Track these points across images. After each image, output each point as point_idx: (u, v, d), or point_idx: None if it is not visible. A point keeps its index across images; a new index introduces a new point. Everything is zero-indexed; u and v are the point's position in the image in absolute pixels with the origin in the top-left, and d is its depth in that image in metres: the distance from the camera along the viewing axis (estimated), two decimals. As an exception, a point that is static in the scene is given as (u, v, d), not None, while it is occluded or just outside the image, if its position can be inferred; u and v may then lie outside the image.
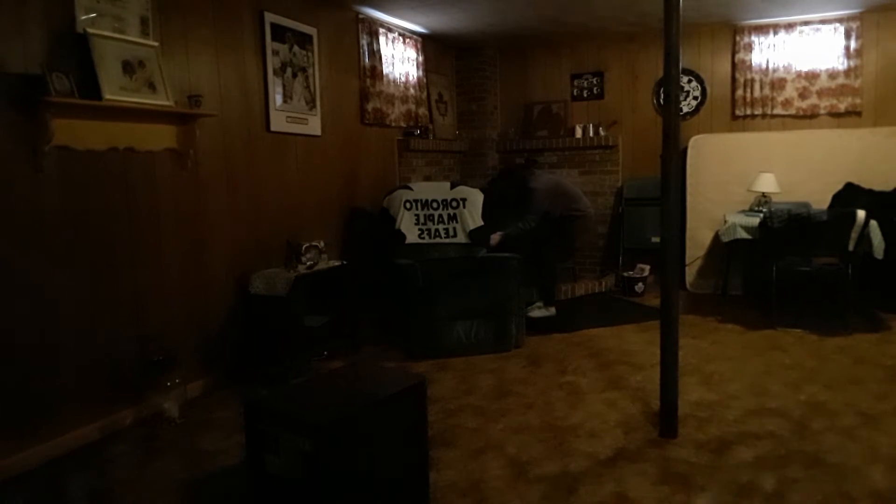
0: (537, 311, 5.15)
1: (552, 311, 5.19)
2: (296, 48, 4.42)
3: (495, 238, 5.09)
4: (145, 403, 3.29)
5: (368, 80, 5.16)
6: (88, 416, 3.08)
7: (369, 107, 5.16)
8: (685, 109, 6.08)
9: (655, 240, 5.76)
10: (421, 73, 5.91)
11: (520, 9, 5.20)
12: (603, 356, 4.20)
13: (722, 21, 5.79)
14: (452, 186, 5.12)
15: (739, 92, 5.89)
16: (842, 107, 5.58)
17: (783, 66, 5.72)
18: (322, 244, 4.29)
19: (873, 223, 4.48)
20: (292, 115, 4.40)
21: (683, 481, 2.54)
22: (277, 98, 4.25)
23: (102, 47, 3.04)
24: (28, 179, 2.82)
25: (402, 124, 5.65)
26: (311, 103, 4.58)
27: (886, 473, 2.56)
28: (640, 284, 5.97)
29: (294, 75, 4.41)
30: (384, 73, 5.34)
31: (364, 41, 5.14)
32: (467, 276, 4.63)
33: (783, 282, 4.72)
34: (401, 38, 5.62)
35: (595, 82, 6.50)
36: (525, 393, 3.57)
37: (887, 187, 5.10)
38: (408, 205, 4.87)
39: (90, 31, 3.01)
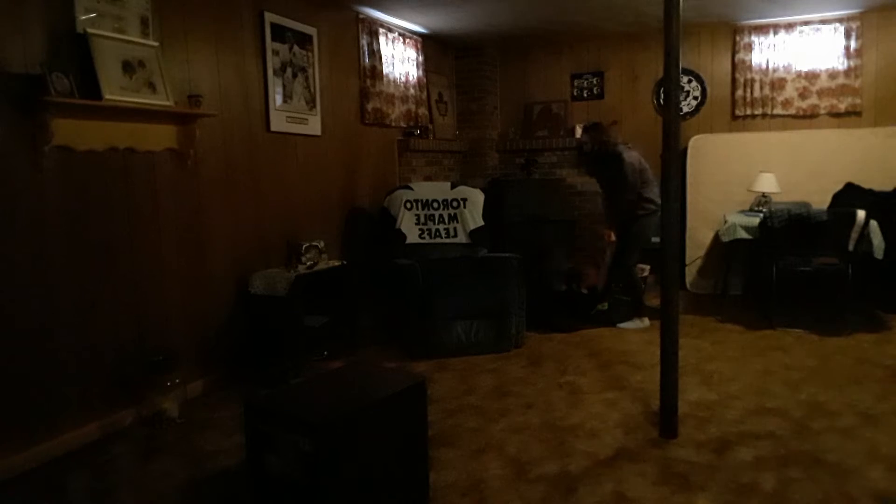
0: (629, 324, 4.91)
1: (646, 322, 4.88)
2: (296, 48, 4.42)
3: (610, 234, 4.93)
4: (145, 403, 3.28)
5: (368, 80, 5.16)
6: (88, 416, 3.08)
7: (369, 107, 5.16)
8: (685, 109, 6.08)
9: (655, 240, 5.75)
10: (421, 73, 5.91)
11: (520, 9, 5.20)
12: (603, 356, 4.20)
13: (722, 21, 5.79)
14: (453, 186, 5.12)
15: (739, 92, 5.88)
16: (842, 107, 5.58)
17: (783, 66, 5.72)
18: (322, 244, 4.29)
19: (873, 223, 4.48)
20: (292, 115, 4.40)
21: (683, 481, 2.54)
22: (277, 98, 4.25)
23: (102, 47, 3.04)
24: (28, 179, 2.82)
25: (402, 124, 5.65)
26: (311, 103, 4.58)
27: (886, 473, 2.56)
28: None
29: (294, 75, 4.41)
30: (384, 73, 5.34)
31: (364, 41, 5.14)
32: (467, 276, 4.63)
33: (783, 282, 4.72)
34: (401, 38, 5.62)
35: (595, 82, 6.50)
36: (525, 393, 3.57)
37: (887, 187, 5.09)
38: (408, 205, 4.87)
39: (90, 31, 3.01)
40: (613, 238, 4.93)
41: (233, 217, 3.93)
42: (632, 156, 4.89)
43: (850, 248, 4.48)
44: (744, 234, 4.91)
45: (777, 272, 4.68)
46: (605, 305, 5.22)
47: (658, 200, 4.83)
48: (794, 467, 2.63)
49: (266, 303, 3.85)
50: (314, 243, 4.21)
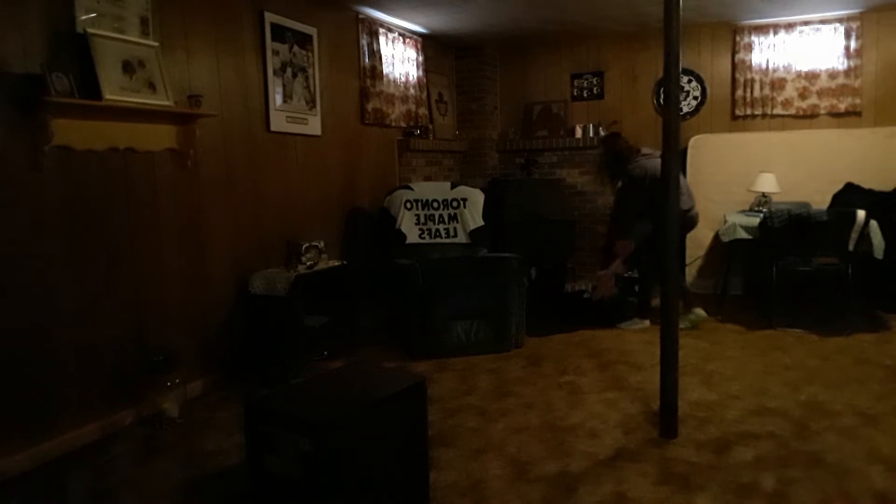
0: (629, 324, 4.83)
1: (646, 323, 4.82)
2: (296, 48, 4.42)
3: (625, 246, 4.70)
4: (145, 403, 3.28)
5: (368, 80, 5.16)
6: (88, 416, 3.08)
7: (369, 107, 5.16)
8: (685, 109, 6.08)
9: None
10: (421, 73, 5.91)
11: (520, 9, 5.20)
12: (603, 356, 4.20)
13: (722, 21, 5.79)
14: (453, 186, 5.12)
15: (739, 92, 5.88)
16: (842, 107, 5.58)
17: (783, 66, 5.72)
18: (322, 244, 4.29)
19: (873, 223, 4.48)
20: (292, 115, 4.40)
21: (683, 481, 2.54)
22: (277, 98, 4.25)
23: (102, 47, 3.04)
24: (28, 179, 2.82)
25: (402, 124, 5.65)
26: (311, 103, 4.58)
27: (886, 473, 2.56)
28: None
29: (294, 75, 4.41)
30: (384, 73, 5.34)
31: (364, 41, 5.14)
32: (467, 276, 4.63)
33: (783, 282, 4.72)
34: (401, 38, 5.62)
35: (595, 82, 6.50)
36: (525, 393, 3.57)
37: (887, 187, 5.10)
38: (408, 205, 4.87)
39: (90, 31, 3.01)
40: (622, 250, 4.73)
41: (233, 217, 3.93)
42: (638, 168, 4.65)
43: (850, 248, 4.48)
44: (744, 234, 4.91)
45: (777, 272, 4.68)
46: (647, 323, 4.86)
47: (684, 207, 4.44)
48: (794, 467, 2.63)
49: (266, 303, 3.85)
50: (314, 243, 4.21)
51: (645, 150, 4.80)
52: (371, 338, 4.63)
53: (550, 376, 3.84)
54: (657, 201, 4.40)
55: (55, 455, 2.89)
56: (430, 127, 6.07)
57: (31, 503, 2.58)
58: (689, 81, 6.06)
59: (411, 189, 4.99)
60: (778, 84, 5.75)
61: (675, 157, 2.85)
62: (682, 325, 4.23)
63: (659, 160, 4.65)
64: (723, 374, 3.77)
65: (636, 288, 5.13)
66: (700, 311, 4.85)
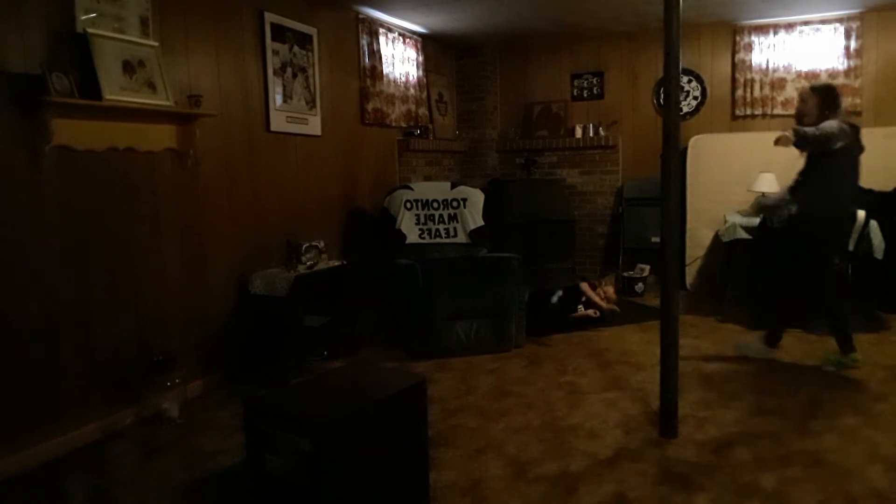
0: (746, 348, 4.06)
1: (771, 352, 3.96)
2: (296, 48, 4.42)
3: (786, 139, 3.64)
4: (145, 403, 3.29)
5: (368, 80, 5.16)
6: (88, 416, 3.08)
7: (369, 107, 5.16)
8: (685, 109, 6.08)
9: (655, 240, 5.75)
10: (421, 73, 5.91)
11: (520, 9, 5.21)
12: (603, 356, 4.20)
13: (722, 21, 5.79)
14: (453, 186, 5.12)
15: (739, 92, 5.88)
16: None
17: (783, 66, 5.72)
18: (322, 244, 4.29)
19: (873, 223, 4.48)
20: (292, 115, 4.40)
21: (683, 481, 2.54)
22: (277, 98, 4.25)
23: (102, 47, 3.04)
24: (28, 179, 2.82)
25: (402, 124, 5.65)
26: (311, 103, 4.58)
27: (886, 473, 2.56)
28: (640, 284, 5.97)
29: (294, 75, 4.41)
30: (384, 73, 5.34)
31: (364, 41, 5.14)
32: (467, 276, 4.62)
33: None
34: (401, 38, 5.62)
35: (595, 82, 6.50)
36: (525, 393, 3.57)
37: (887, 187, 5.09)
38: (408, 205, 4.87)
39: (90, 31, 3.01)
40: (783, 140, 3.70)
41: (233, 217, 3.93)
42: (831, 125, 3.70)
43: (850, 248, 4.48)
44: (744, 234, 4.91)
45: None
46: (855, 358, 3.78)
47: (836, 207, 3.78)
48: (794, 467, 2.63)
49: (266, 303, 3.85)
50: (314, 243, 4.21)
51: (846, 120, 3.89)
52: (371, 338, 4.63)
53: (550, 376, 3.84)
54: (844, 181, 3.76)
55: (55, 455, 2.89)
56: (430, 127, 6.07)
57: (32, 503, 2.58)
58: (689, 81, 6.06)
59: (411, 189, 4.99)
60: (778, 84, 5.75)
61: (675, 156, 2.85)
62: (827, 367, 3.78)
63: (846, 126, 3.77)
64: (723, 374, 3.77)
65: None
66: (855, 356, 3.78)
